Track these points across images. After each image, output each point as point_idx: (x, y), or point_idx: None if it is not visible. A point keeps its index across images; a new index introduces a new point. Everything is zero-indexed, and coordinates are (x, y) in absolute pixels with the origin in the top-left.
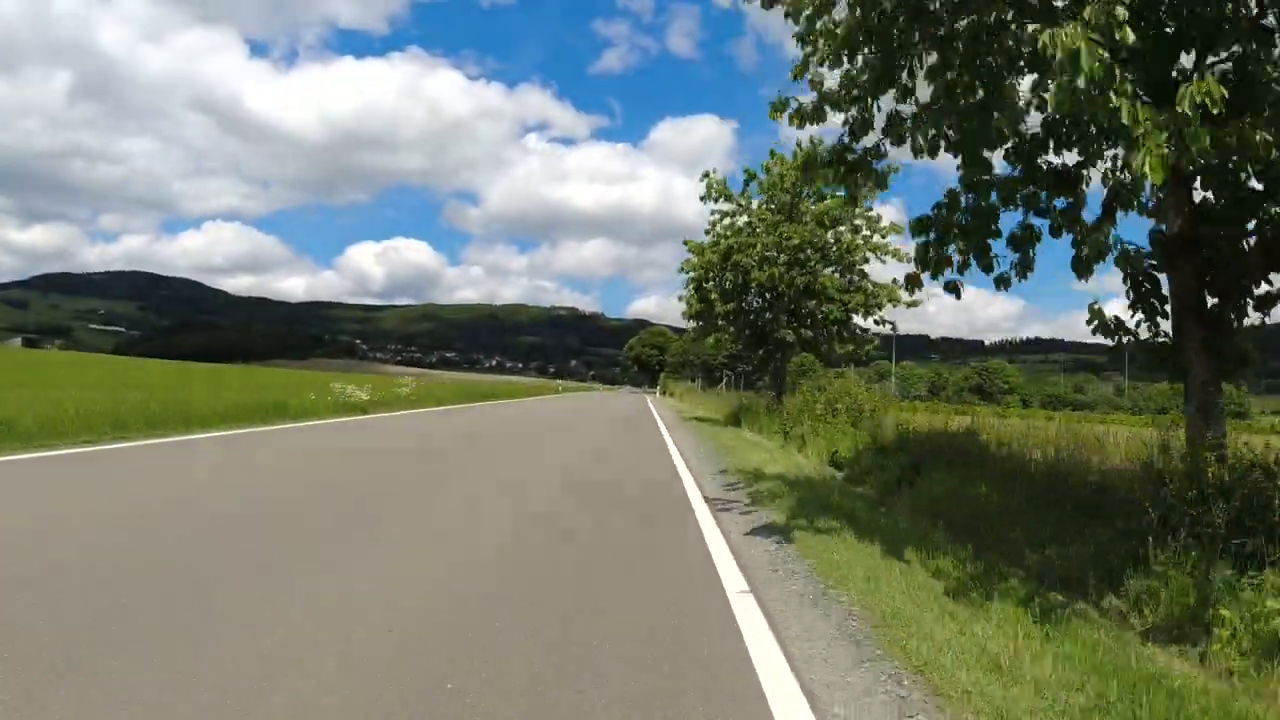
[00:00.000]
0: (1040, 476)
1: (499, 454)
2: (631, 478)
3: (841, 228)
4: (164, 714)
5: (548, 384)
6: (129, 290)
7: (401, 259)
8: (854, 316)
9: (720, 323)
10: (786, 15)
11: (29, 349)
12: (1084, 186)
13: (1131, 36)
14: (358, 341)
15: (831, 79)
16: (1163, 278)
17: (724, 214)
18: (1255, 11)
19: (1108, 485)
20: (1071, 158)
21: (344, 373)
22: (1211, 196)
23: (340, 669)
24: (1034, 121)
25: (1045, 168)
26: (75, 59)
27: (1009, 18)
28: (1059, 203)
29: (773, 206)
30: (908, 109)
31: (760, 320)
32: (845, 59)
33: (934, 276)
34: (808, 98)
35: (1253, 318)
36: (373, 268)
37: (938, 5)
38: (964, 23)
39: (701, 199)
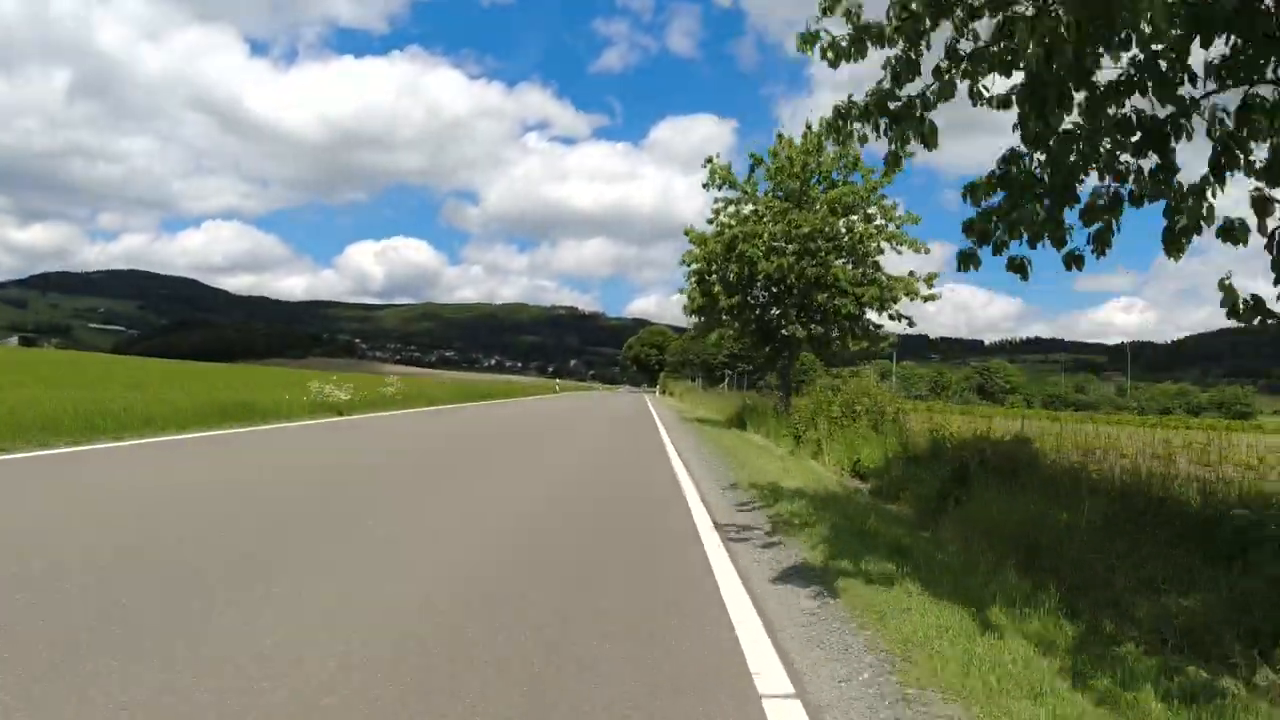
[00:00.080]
0: (1115, 493)
1: (476, 465)
2: (627, 495)
3: (854, 216)
4: None
5: (546, 383)
6: (128, 289)
7: (401, 258)
8: (867, 311)
9: (724, 318)
10: None
11: (25, 348)
12: (1174, 144)
13: None
14: (357, 341)
15: (874, 7)
16: None
17: (728, 202)
18: None
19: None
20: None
21: (342, 372)
22: None
23: None
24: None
25: (1132, 119)
26: (74, 58)
27: None
28: (1144, 163)
29: (780, 193)
30: (967, 45)
31: (767, 315)
32: None
33: (996, 252)
34: (842, 30)
35: None
36: (372, 267)
37: None
38: None
39: (704, 186)
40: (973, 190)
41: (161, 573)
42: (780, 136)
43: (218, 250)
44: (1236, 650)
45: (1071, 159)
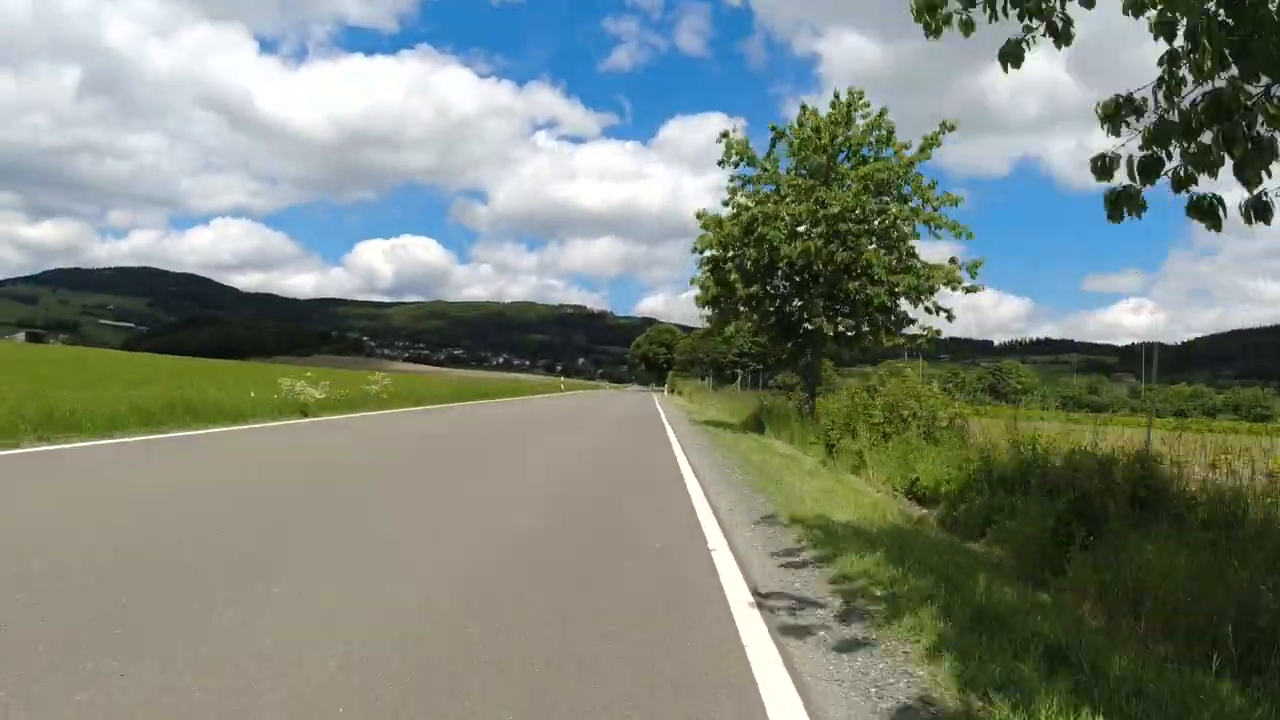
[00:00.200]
0: None
1: (436, 490)
2: (629, 542)
3: (886, 196)
4: None
5: (553, 382)
6: (138, 286)
7: (410, 256)
8: (900, 302)
9: (741, 309)
10: None
11: (33, 343)
12: None
13: None
14: (365, 338)
15: None
16: None
17: (746, 180)
18: None
19: None
20: None
21: (349, 370)
22: None
23: None
24: None
25: None
26: (84, 55)
27: None
28: None
29: (804, 170)
30: None
31: (788, 307)
32: None
33: (1178, 188)
34: None
35: None
36: (381, 265)
37: None
38: None
39: (719, 163)
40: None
41: None
42: (805, 107)
43: (227, 248)
44: None
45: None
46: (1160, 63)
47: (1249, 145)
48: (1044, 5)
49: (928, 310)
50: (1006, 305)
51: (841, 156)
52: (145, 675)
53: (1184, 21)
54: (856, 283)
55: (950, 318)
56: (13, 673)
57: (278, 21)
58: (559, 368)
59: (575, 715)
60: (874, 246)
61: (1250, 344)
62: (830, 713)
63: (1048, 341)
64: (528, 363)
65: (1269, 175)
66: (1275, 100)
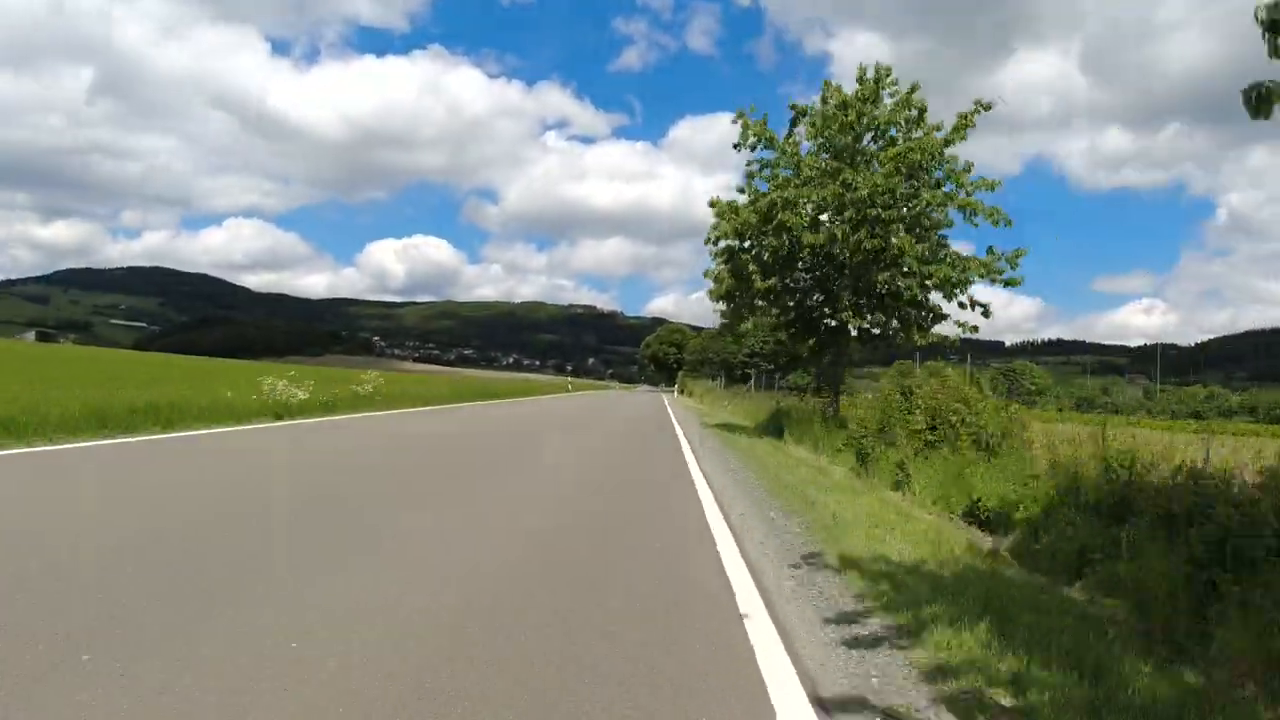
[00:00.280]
0: None
1: (382, 531)
2: (630, 610)
3: (916, 181)
4: None
5: (561, 382)
6: (150, 286)
7: (421, 256)
8: (931, 296)
9: (758, 303)
10: None
11: (43, 343)
12: None
13: None
14: (376, 338)
15: None
16: None
17: (764, 164)
18: None
19: None
20: None
21: (359, 369)
22: None
23: None
24: None
25: None
26: (96, 56)
27: None
28: None
29: (828, 153)
30: None
31: (809, 300)
32: None
33: None
34: None
35: None
36: (393, 265)
37: None
38: None
39: (735, 146)
40: None
41: None
42: (828, 83)
43: (239, 248)
44: None
45: None
46: None
47: None
48: None
49: (960, 305)
50: (1018, 305)
51: (868, 139)
52: None
53: None
54: (886, 274)
55: (987, 313)
56: None
57: (291, 23)
58: (569, 368)
59: None
60: (904, 235)
61: (1262, 345)
62: None
63: (1059, 342)
64: (538, 363)
65: None
66: None
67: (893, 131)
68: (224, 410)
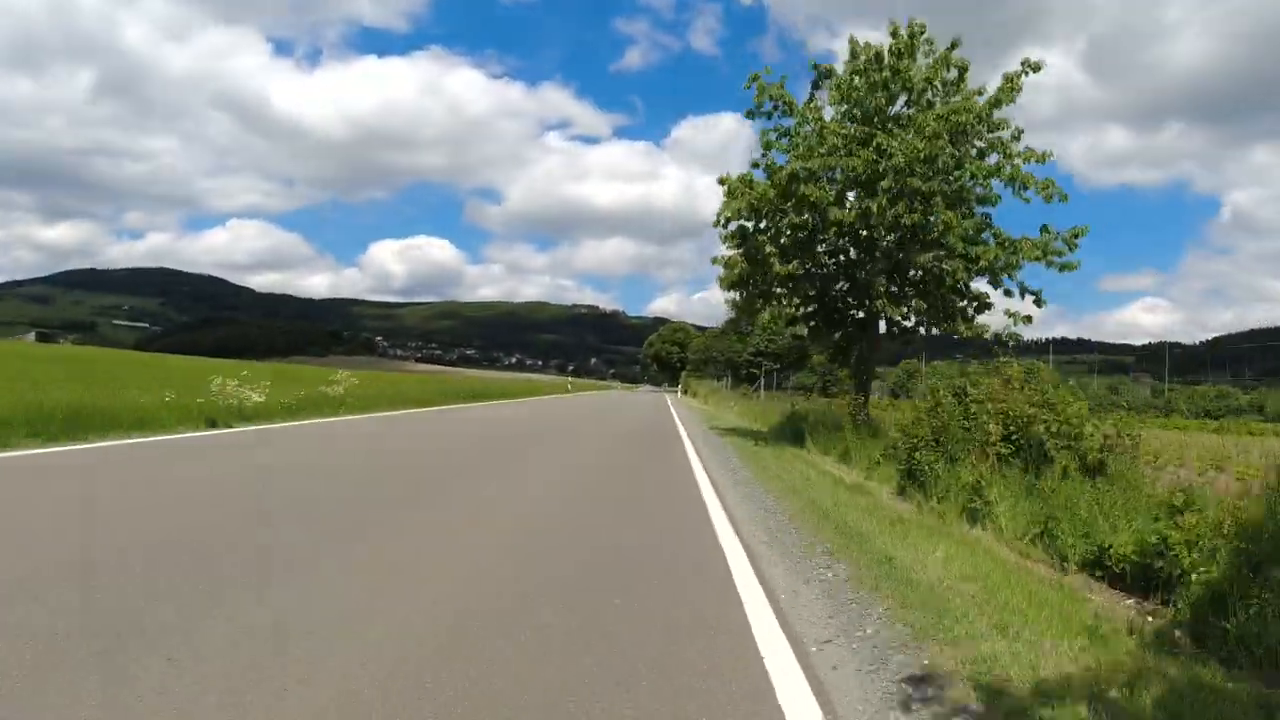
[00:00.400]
0: None
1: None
2: None
3: (958, 148)
4: None
5: (562, 382)
6: (152, 287)
7: (423, 256)
8: (974, 282)
9: (778, 290)
10: None
11: (42, 343)
12: None
13: None
14: (378, 338)
15: None
16: None
17: (781, 132)
18: None
19: None
20: None
21: (360, 369)
22: None
23: None
24: None
25: None
26: (99, 57)
27: None
28: None
29: (856, 114)
30: None
31: (834, 287)
32: None
33: None
34: None
35: None
36: (395, 265)
37: None
38: None
39: (747, 115)
40: None
41: None
42: (854, 40)
43: (241, 248)
44: None
45: None
46: None
47: None
48: None
49: (1007, 293)
50: (1020, 304)
51: (901, 102)
52: None
53: None
54: (928, 255)
55: (1039, 301)
56: None
57: (292, 24)
58: (571, 368)
59: None
60: (948, 211)
61: (1269, 343)
62: None
63: (1065, 341)
64: (540, 363)
65: None
66: None
67: (930, 95)
68: (129, 418)
